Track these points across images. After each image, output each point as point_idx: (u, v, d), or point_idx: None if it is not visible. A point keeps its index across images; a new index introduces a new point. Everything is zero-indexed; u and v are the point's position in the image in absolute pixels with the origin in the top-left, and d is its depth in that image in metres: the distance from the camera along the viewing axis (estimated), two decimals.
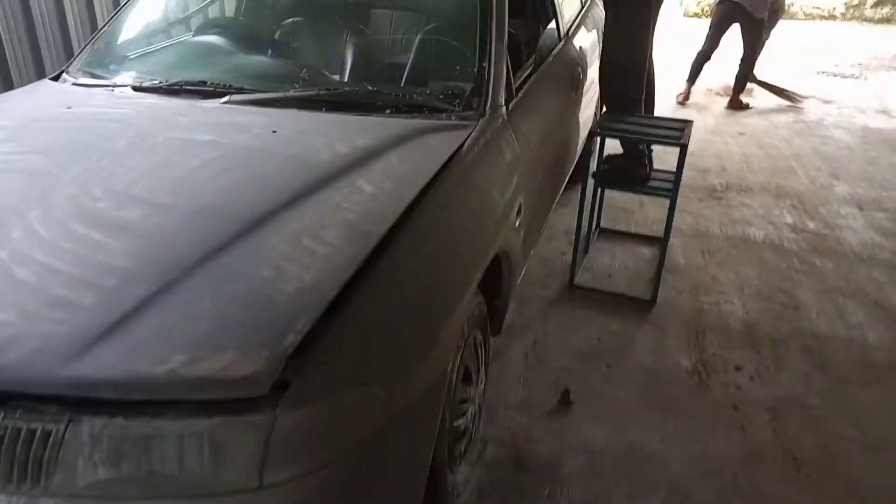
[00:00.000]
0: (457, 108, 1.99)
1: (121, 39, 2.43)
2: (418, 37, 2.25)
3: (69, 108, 1.98)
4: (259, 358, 1.13)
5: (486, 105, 2.02)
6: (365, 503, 1.32)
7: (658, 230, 3.31)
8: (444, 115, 1.97)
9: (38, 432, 1.13)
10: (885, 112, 6.14)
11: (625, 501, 1.92)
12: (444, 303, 1.53)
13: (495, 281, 1.98)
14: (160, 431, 1.13)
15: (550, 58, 2.68)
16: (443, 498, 1.74)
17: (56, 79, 2.31)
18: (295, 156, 1.69)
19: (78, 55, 2.41)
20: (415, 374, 1.38)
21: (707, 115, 5.90)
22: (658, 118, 3.12)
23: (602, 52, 3.12)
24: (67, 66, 2.36)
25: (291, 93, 2.01)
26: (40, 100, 2.12)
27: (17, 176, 1.60)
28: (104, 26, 2.49)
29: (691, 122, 2.93)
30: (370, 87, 2.07)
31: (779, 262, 3.32)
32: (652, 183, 2.97)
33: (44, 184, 1.54)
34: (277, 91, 2.02)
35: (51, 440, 1.12)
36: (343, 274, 1.30)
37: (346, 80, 2.19)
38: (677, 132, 2.79)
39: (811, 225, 3.76)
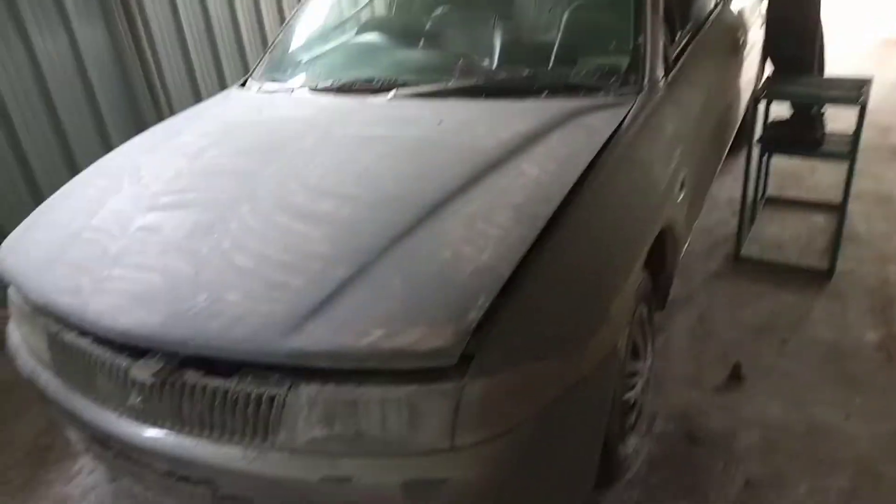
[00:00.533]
0: (614, 86, 1.99)
1: (293, 47, 2.65)
2: (567, 14, 2.26)
3: (260, 111, 2.21)
4: (447, 332, 1.24)
5: (643, 80, 2.00)
6: (545, 469, 1.41)
7: (832, 196, 3.09)
8: (601, 93, 1.98)
9: (265, 396, 1.32)
10: None
11: (808, 478, 1.86)
12: (612, 279, 1.56)
13: (660, 256, 1.97)
14: (364, 397, 1.28)
15: (708, 23, 2.58)
16: (614, 468, 1.79)
17: (243, 85, 2.58)
18: (461, 145, 1.78)
19: (258, 63, 2.67)
20: (587, 348, 1.43)
21: (887, 68, 5.34)
22: (833, 78, 2.90)
23: (768, 10, 2.95)
24: (251, 74, 2.63)
25: (451, 84, 2.10)
26: (233, 106, 2.38)
27: (227, 176, 1.83)
28: (279, 35, 2.74)
29: (870, 79, 2.70)
30: (526, 72, 2.11)
31: None
32: (826, 146, 2.78)
33: (249, 182, 1.76)
34: (438, 83, 2.12)
35: (275, 403, 1.31)
36: (516, 254, 1.38)
37: (499, 65, 2.25)
38: (855, 91, 2.59)
39: None
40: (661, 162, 1.92)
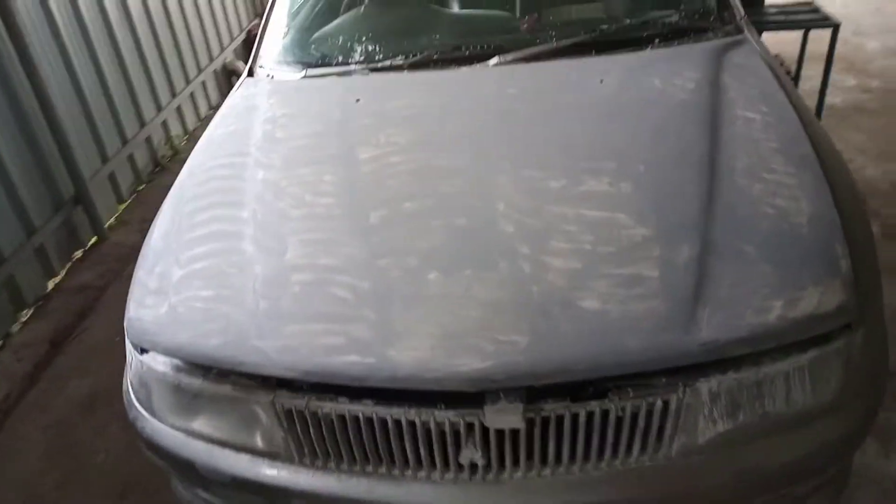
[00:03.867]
0: (718, 26, 1.99)
1: (313, 25, 2.30)
2: None
3: (358, 100, 1.89)
4: (839, 289, 1.20)
5: (737, 18, 2.03)
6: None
7: None
8: (708, 33, 1.97)
9: (656, 405, 1.18)
10: None
11: None
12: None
13: None
14: (769, 375, 1.20)
15: None
16: None
17: (251, 75, 2.20)
18: (658, 100, 1.69)
19: (262, 47, 2.27)
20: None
21: None
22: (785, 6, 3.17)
23: None
24: (256, 62, 2.24)
25: (558, 43, 1.96)
26: (309, 98, 2.01)
27: (441, 172, 1.56)
28: (269, 15, 2.35)
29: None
30: (626, 22, 2.04)
31: None
32: None
33: (472, 175, 1.52)
34: (533, 44, 1.97)
35: (669, 408, 1.18)
36: (825, 196, 1.37)
37: (586, 19, 2.15)
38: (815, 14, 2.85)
39: None
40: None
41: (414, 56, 2.02)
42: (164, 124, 4.02)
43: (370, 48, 2.12)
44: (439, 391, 1.18)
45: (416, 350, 1.20)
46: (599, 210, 1.38)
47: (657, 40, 1.95)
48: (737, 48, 1.90)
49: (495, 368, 1.16)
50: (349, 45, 2.15)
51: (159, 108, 3.95)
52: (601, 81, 1.79)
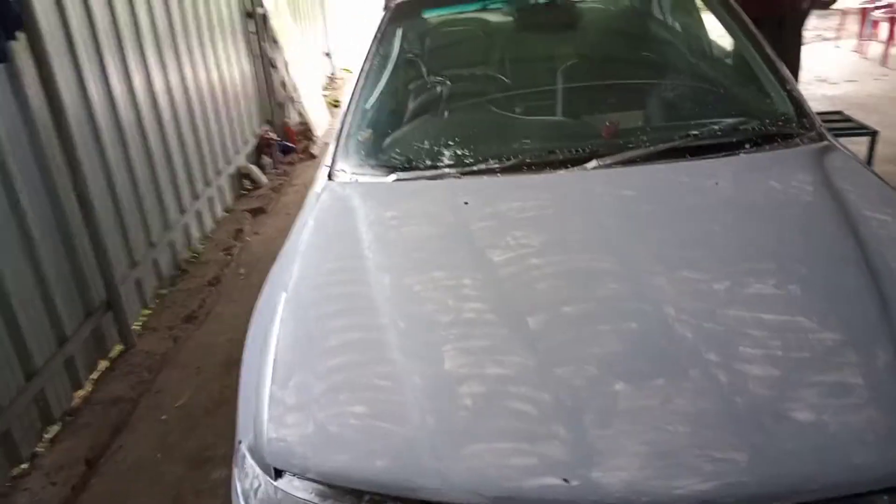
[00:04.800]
0: (800, 134, 2.02)
1: (394, 128, 2.30)
2: (706, 65, 2.28)
3: (466, 203, 1.85)
4: None
5: (816, 124, 2.09)
6: None
7: None
8: (795, 140, 2.00)
9: None
10: None
11: None
12: None
13: None
14: None
15: None
16: None
17: (330, 178, 2.16)
18: (783, 201, 1.71)
19: (340, 152, 2.25)
20: None
21: None
22: None
23: None
24: (336, 166, 2.21)
25: (652, 148, 1.98)
26: (403, 208, 1.95)
27: (583, 279, 1.51)
28: (349, 118, 2.34)
29: None
30: (717, 128, 2.07)
31: None
32: None
33: (618, 281, 1.47)
34: (631, 148, 1.99)
35: None
36: None
37: (672, 124, 2.19)
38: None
39: None
40: None
41: (507, 160, 2.01)
42: (186, 227, 3.92)
43: (458, 152, 2.10)
44: None
45: (624, 471, 1.09)
46: (777, 314, 1.33)
47: (748, 145, 1.98)
48: (831, 153, 1.94)
49: (720, 490, 1.06)
50: (435, 149, 2.14)
51: (182, 211, 3.87)
52: (716, 184, 1.79)
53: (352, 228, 1.83)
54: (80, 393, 2.78)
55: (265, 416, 1.35)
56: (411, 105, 2.45)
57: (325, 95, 7.20)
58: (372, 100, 2.42)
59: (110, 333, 3.02)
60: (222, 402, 2.72)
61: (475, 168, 2.02)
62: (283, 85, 5.80)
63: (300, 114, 6.07)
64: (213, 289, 3.61)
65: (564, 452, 1.14)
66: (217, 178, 4.43)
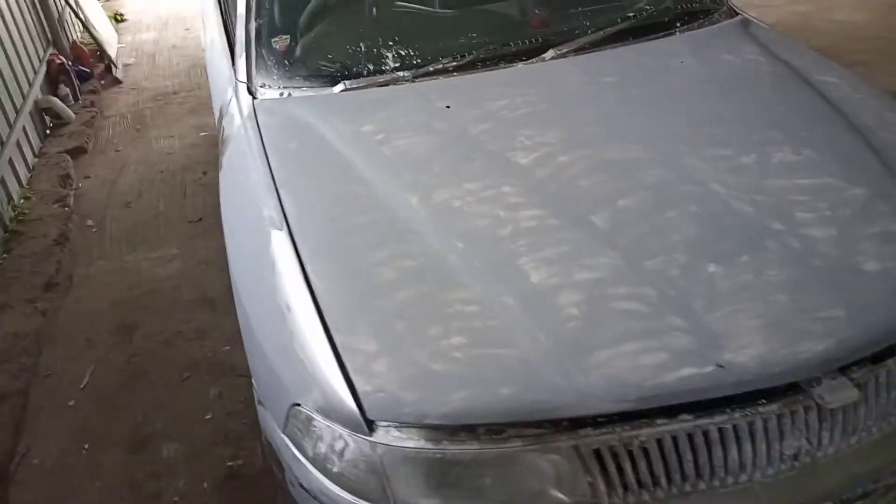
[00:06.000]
0: (720, 12, 2.11)
1: (316, 36, 2.01)
2: None
3: (448, 107, 1.70)
4: None
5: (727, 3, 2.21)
6: None
7: None
8: (714, 17, 2.10)
9: None
10: None
11: None
12: None
13: None
14: None
15: None
16: None
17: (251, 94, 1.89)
18: (747, 74, 1.80)
19: (255, 65, 1.95)
20: None
21: None
22: None
23: None
24: (254, 81, 1.92)
25: (598, 34, 1.94)
26: (394, 108, 1.77)
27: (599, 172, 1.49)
28: (256, 27, 2.02)
29: None
30: (646, 12, 2.08)
31: None
32: None
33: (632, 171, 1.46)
34: (574, 36, 1.95)
35: None
36: None
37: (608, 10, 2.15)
38: None
39: None
40: None
41: (458, 58, 1.88)
42: (2, 182, 3.23)
43: (402, 53, 1.92)
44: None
45: (751, 348, 1.14)
46: (808, 177, 1.43)
47: (679, 24, 2.04)
48: (754, 25, 2.07)
49: (834, 347, 1.15)
50: (374, 51, 1.93)
51: None
52: (682, 62, 1.83)
53: (328, 150, 1.63)
54: None
55: (340, 369, 1.19)
56: (322, 2, 2.16)
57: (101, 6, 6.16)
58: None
59: None
60: (135, 374, 2.38)
61: (428, 69, 1.87)
62: None
63: (88, 31, 5.15)
64: (64, 248, 3.06)
65: (690, 341, 1.15)
66: (17, 117, 3.65)
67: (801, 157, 1.48)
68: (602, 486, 1.14)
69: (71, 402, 2.28)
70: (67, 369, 2.41)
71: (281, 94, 1.88)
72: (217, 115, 2.18)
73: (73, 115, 4.30)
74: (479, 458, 1.14)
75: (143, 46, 5.55)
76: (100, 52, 5.18)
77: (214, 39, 2.53)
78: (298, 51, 1.99)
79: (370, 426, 1.16)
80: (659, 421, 1.12)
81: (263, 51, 1.97)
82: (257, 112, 1.83)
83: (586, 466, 1.13)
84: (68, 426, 2.20)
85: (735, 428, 1.13)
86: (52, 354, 2.49)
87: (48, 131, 4.14)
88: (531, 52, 1.91)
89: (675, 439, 1.13)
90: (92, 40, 5.19)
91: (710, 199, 1.36)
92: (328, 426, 1.20)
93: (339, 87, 1.84)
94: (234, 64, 2.07)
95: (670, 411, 1.13)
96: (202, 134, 4.05)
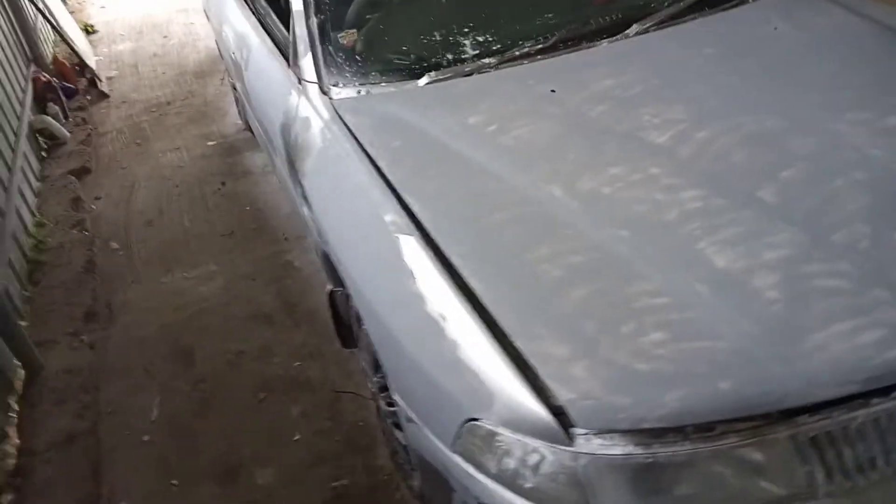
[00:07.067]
0: None
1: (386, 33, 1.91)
2: None
3: (553, 91, 1.62)
4: None
5: None
6: None
7: None
8: None
9: None
10: None
11: None
12: None
13: None
14: None
15: None
16: None
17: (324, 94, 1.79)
18: (840, 38, 1.75)
19: (322, 62, 1.85)
20: None
21: None
22: None
23: None
24: (321, 82, 1.82)
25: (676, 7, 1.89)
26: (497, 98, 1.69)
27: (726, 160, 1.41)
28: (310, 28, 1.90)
29: None
30: None
31: None
32: None
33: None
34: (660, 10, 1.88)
35: None
36: None
37: None
38: None
39: None
40: None
41: (540, 40, 1.81)
42: (17, 211, 3.04)
43: (479, 39, 1.84)
44: None
45: None
46: None
47: None
48: None
49: None
50: (450, 39, 1.85)
51: (6, 189, 2.97)
52: (775, 29, 1.78)
53: (439, 147, 1.55)
54: (10, 448, 2.11)
55: (525, 377, 1.11)
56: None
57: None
58: None
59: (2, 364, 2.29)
60: (205, 400, 2.26)
61: (514, 54, 1.79)
62: (34, 5, 4.59)
63: (66, 43, 4.90)
64: (94, 275, 2.90)
65: None
66: (17, 141, 3.45)
67: None
68: (821, 475, 1.09)
69: (146, 438, 2.15)
70: (132, 403, 2.28)
71: (359, 92, 1.78)
72: (277, 120, 2.06)
73: (69, 134, 4.09)
74: (692, 458, 1.08)
75: (122, 57, 5.30)
76: (80, 67, 4.94)
77: (251, 43, 2.39)
78: (367, 45, 1.89)
79: (569, 436, 1.09)
80: (875, 401, 1.08)
81: (331, 47, 1.87)
82: (340, 113, 1.73)
83: (803, 455, 1.08)
84: (148, 463, 2.07)
85: None
86: (112, 388, 2.34)
87: (44, 153, 3.93)
88: (612, 29, 1.85)
89: (891, 417, 1.08)
90: (70, 53, 4.95)
91: (871, 164, 1.32)
92: (518, 440, 1.12)
93: (424, 79, 1.75)
94: (292, 64, 1.96)
95: (884, 390, 1.08)
96: (210, 143, 3.88)
